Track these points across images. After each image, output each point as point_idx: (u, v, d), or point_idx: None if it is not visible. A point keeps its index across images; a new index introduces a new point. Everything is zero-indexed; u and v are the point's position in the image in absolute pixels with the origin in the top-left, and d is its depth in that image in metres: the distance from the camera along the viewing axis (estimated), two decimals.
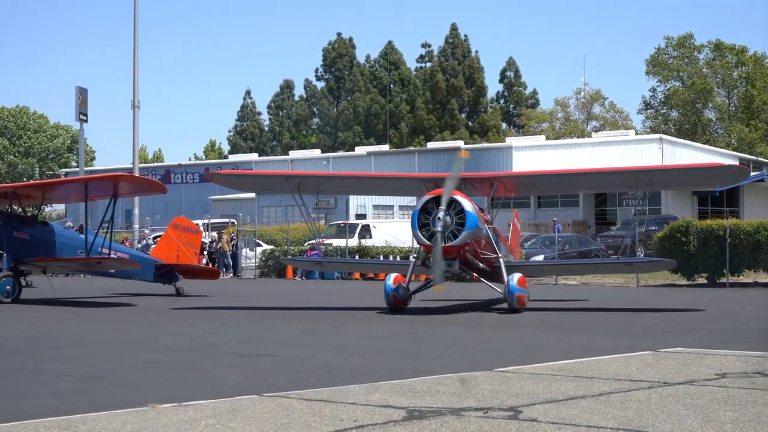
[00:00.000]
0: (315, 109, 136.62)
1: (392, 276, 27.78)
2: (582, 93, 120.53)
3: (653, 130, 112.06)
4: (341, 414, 10.34)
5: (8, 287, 30.79)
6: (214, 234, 58.57)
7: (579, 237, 59.06)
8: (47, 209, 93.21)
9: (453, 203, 26.40)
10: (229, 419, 10.11)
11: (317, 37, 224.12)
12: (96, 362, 16.31)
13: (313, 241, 48.11)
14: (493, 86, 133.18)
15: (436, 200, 26.42)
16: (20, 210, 33.85)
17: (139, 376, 14.45)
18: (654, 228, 55.51)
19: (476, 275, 28.17)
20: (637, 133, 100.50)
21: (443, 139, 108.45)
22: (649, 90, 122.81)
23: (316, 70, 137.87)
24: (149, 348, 18.63)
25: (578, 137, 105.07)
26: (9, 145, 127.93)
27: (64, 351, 18.26)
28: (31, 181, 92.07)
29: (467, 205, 26.57)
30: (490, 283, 28.07)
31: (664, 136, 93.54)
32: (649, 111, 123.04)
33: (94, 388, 13.21)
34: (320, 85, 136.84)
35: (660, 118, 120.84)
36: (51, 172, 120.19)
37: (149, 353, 17.60)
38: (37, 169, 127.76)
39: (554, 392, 11.71)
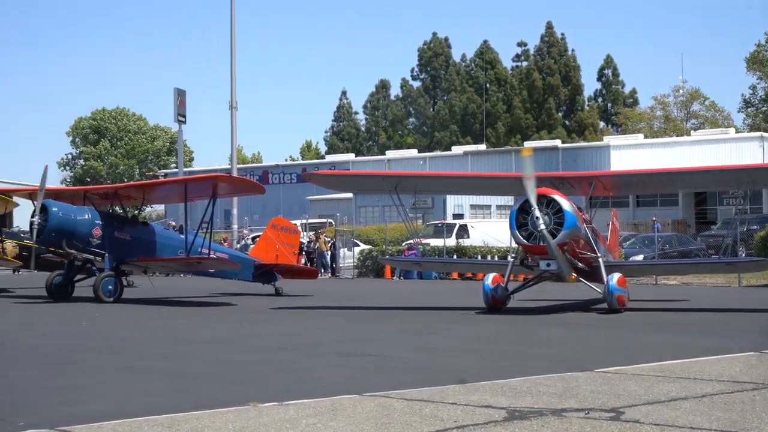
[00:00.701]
0: (411, 109, 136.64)
1: (491, 276, 27.62)
2: (680, 91, 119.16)
3: (753, 128, 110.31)
4: (441, 414, 10.33)
5: (110, 287, 31.08)
6: (312, 234, 58.81)
7: (679, 236, 58.37)
8: (147, 210, 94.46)
9: (551, 203, 26.23)
10: (330, 418, 10.15)
11: (413, 36, 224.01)
12: (197, 361, 16.47)
13: (411, 241, 48.08)
14: (590, 85, 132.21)
15: (537, 199, 26.25)
16: (121, 210, 34.32)
17: (240, 375, 14.56)
18: (755, 227, 54.59)
19: (575, 275, 27.93)
20: (737, 132, 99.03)
21: (540, 139, 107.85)
22: (749, 87, 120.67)
23: (412, 70, 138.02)
24: (249, 347, 18.77)
25: (677, 135, 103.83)
26: (110, 147, 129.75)
27: (165, 350, 18.48)
28: (132, 182, 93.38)
29: (565, 204, 26.35)
30: (589, 283, 27.82)
31: (765, 134, 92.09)
32: (749, 109, 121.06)
33: (196, 387, 13.35)
34: (416, 84, 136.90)
35: (761, 116, 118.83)
36: (151, 173, 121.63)
37: (249, 352, 17.73)
38: (137, 170, 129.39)
39: (656, 393, 11.60)
